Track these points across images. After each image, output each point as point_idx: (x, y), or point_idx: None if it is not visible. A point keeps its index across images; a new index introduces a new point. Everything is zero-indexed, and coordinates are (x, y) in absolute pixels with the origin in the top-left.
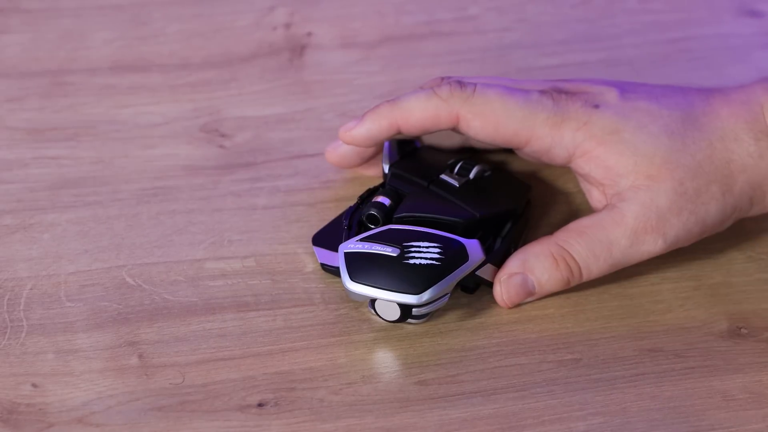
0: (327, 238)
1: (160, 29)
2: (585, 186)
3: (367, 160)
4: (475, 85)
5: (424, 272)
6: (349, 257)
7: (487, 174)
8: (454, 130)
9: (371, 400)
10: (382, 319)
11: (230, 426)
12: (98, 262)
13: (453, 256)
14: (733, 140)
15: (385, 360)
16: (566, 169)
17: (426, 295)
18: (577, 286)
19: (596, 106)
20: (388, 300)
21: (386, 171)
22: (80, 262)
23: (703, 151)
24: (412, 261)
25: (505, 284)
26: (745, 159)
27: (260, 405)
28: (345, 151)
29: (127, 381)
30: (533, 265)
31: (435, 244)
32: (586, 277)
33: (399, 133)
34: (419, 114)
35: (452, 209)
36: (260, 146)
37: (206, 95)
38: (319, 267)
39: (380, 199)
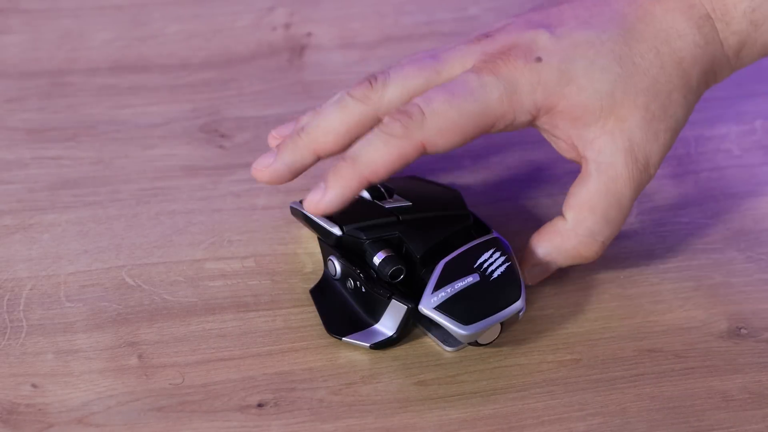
0: (340, 317)
1: (160, 29)
2: (552, 138)
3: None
4: (418, 106)
5: (510, 277)
6: (444, 308)
7: (401, 183)
8: (422, 155)
9: (371, 400)
10: (473, 344)
11: (230, 426)
12: (98, 262)
13: (506, 249)
14: (677, 38)
15: (384, 360)
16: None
17: (523, 295)
18: (576, 287)
19: (539, 59)
20: (500, 321)
21: (340, 233)
22: (80, 262)
23: (653, 62)
24: (495, 275)
25: (529, 273)
26: (694, 51)
27: (260, 405)
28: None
29: (126, 381)
30: (556, 258)
31: (492, 250)
32: (607, 246)
33: (368, 185)
34: (385, 161)
35: (449, 221)
36: (260, 146)
37: (206, 95)
38: (319, 267)
39: (380, 254)
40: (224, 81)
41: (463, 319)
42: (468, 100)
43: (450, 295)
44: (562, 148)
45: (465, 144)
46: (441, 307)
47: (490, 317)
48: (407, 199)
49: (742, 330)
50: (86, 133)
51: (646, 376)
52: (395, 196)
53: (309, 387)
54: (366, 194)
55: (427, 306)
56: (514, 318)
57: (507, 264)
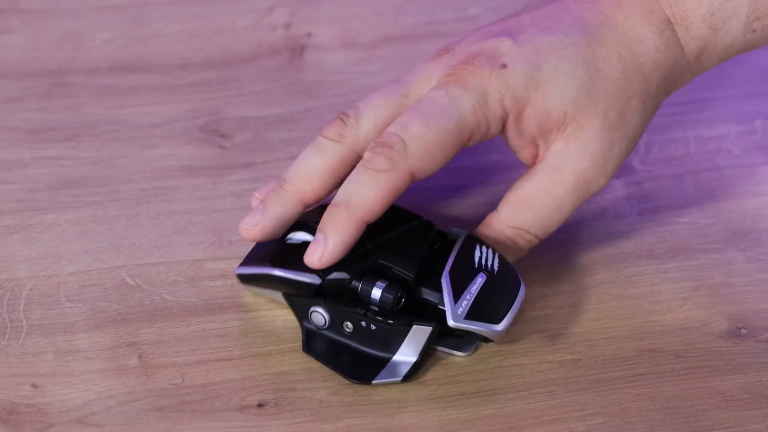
0: (360, 365)
1: (160, 29)
2: (516, 146)
3: None
4: (397, 135)
5: (505, 264)
6: (472, 315)
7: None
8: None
9: (371, 400)
10: (483, 341)
11: (230, 426)
12: (98, 262)
13: (483, 241)
14: (637, 43)
15: None
16: None
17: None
18: (576, 287)
19: (504, 66)
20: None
21: (318, 281)
22: (80, 262)
23: (616, 67)
24: (496, 267)
25: None
26: (654, 56)
27: (260, 405)
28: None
29: (126, 381)
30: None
31: (478, 245)
32: (542, 239)
33: (366, 226)
34: (379, 199)
35: (416, 233)
36: (260, 146)
37: (206, 95)
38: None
39: (379, 285)
40: (224, 81)
41: (494, 319)
42: (443, 118)
43: (471, 301)
44: (524, 156)
45: (447, 162)
46: (470, 315)
47: (512, 307)
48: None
49: (742, 330)
50: (86, 133)
51: (646, 376)
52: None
53: (309, 387)
54: (307, 236)
55: (457, 319)
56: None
57: (497, 254)
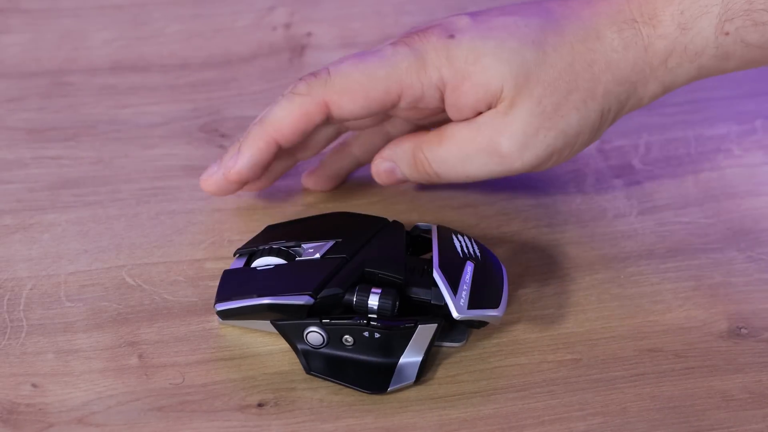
0: (370, 375)
1: (160, 29)
2: (454, 116)
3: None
4: (327, 68)
5: (485, 250)
6: (474, 305)
7: (295, 232)
8: (328, 119)
9: (371, 400)
10: (475, 326)
11: (230, 426)
12: (98, 262)
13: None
14: (595, 39)
15: None
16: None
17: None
18: (576, 287)
19: (452, 36)
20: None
21: (311, 301)
22: (80, 262)
23: (564, 58)
24: (478, 254)
25: (376, 167)
26: (609, 55)
27: (260, 405)
28: (243, 167)
29: (127, 381)
30: (399, 159)
31: (454, 236)
32: (443, 181)
33: (280, 148)
34: (289, 120)
35: (389, 235)
36: None
37: (206, 95)
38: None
39: (374, 292)
40: (224, 81)
41: (492, 304)
42: (376, 64)
43: (468, 290)
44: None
45: (371, 113)
46: (471, 305)
47: (504, 289)
48: (323, 239)
49: (742, 330)
50: (86, 133)
51: (646, 375)
52: (304, 246)
53: (309, 387)
54: (278, 260)
55: (461, 311)
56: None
57: (472, 239)
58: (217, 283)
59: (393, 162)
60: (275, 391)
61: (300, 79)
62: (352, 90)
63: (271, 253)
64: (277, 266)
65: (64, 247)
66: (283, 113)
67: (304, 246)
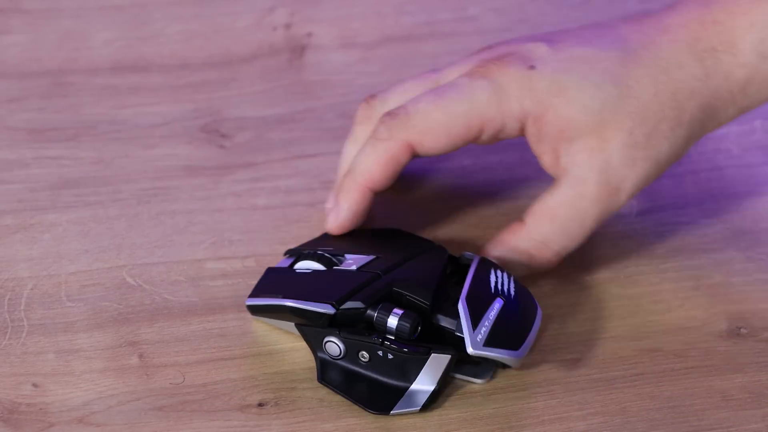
0: (377, 395)
1: (161, 29)
2: (538, 151)
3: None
4: (405, 107)
5: (521, 288)
6: (491, 342)
7: (343, 241)
8: (414, 156)
9: None
10: (501, 366)
11: (230, 426)
12: (99, 262)
13: (492, 262)
14: (676, 68)
15: None
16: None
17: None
18: (576, 287)
19: (532, 67)
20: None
21: (332, 311)
22: (81, 262)
23: (648, 89)
24: (512, 292)
25: None
26: (692, 84)
27: (260, 405)
28: (345, 220)
29: (127, 381)
30: (509, 260)
31: (492, 269)
32: (564, 256)
33: (375, 193)
34: (378, 167)
35: (428, 258)
36: (260, 146)
37: (206, 95)
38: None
39: (395, 312)
40: (225, 81)
41: (513, 345)
42: (455, 100)
43: (490, 327)
44: (546, 163)
45: (455, 148)
46: (489, 342)
47: (530, 333)
48: (365, 252)
49: (742, 330)
50: (87, 133)
51: (646, 375)
52: (347, 256)
53: (309, 386)
54: (318, 266)
55: (476, 346)
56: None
57: (512, 277)
58: (217, 283)
59: (504, 264)
60: (275, 391)
61: (380, 121)
62: (433, 129)
63: (313, 257)
64: (313, 272)
65: (64, 247)
66: (370, 160)
67: (347, 256)
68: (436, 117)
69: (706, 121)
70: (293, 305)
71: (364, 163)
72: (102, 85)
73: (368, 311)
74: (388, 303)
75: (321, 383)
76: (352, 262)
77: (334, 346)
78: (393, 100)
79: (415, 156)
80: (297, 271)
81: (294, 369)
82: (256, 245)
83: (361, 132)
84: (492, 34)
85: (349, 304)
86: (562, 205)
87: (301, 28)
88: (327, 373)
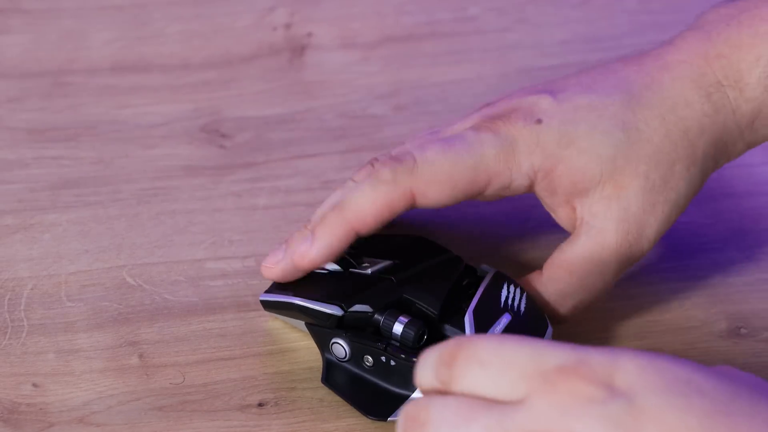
0: (378, 400)
1: (161, 30)
2: (551, 207)
3: None
4: (411, 153)
5: (533, 306)
6: None
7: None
8: (410, 206)
9: None
10: None
11: (230, 426)
12: (99, 262)
13: (507, 276)
14: (684, 107)
15: None
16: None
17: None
18: None
19: (539, 121)
20: None
21: (340, 313)
22: (81, 262)
23: (658, 131)
24: (522, 309)
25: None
26: (701, 120)
27: (260, 405)
28: (317, 255)
29: (127, 381)
30: None
31: (505, 284)
32: (583, 308)
33: (357, 237)
34: (372, 209)
35: (444, 268)
36: (260, 146)
37: (206, 95)
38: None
39: (401, 320)
40: (225, 81)
41: None
42: (463, 153)
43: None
44: (561, 217)
45: (456, 202)
46: None
47: None
48: (384, 257)
49: (741, 330)
50: (87, 133)
51: None
52: (366, 259)
53: (309, 386)
54: (334, 266)
55: None
56: None
57: (524, 294)
58: (217, 283)
59: None
60: (275, 391)
61: (382, 163)
62: (439, 180)
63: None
64: (329, 272)
65: (64, 247)
66: (366, 201)
67: (365, 259)
68: (443, 167)
69: (718, 156)
70: (302, 304)
71: (357, 202)
72: (102, 85)
73: (375, 316)
74: (395, 309)
75: (324, 384)
76: (368, 265)
77: (339, 348)
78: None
79: (410, 207)
80: (315, 271)
81: (294, 369)
82: (256, 245)
83: (369, 187)
84: (492, 34)
85: (357, 308)
86: (581, 258)
87: (301, 28)
88: (331, 374)
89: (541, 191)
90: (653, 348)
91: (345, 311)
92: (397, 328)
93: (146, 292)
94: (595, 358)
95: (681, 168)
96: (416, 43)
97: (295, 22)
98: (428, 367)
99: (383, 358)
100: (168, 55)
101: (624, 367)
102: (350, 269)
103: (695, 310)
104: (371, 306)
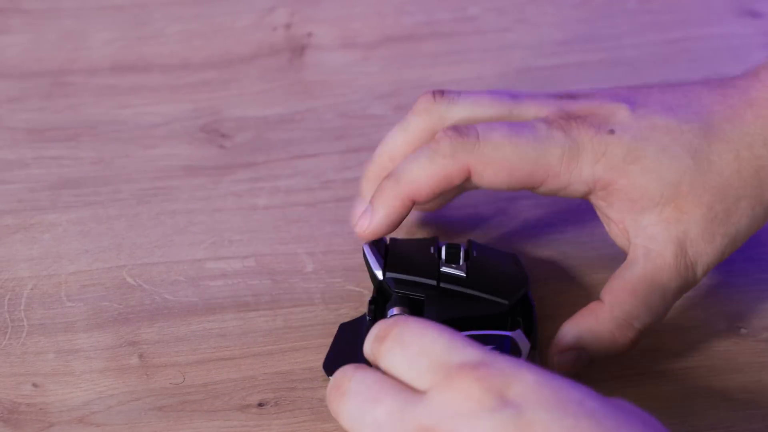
0: (342, 362)
1: (161, 29)
2: (605, 218)
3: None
4: (476, 130)
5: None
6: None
7: (474, 253)
8: (464, 183)
9: None
10: None
11: (230, 426)
12: (99, 262)
13: (509, 352)
14: (762, 146)
15: None
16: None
17: None
18: (576, 286)
19: (611, 131)
20: None
21: (381, 278)
22: (81, 262)
23: (730, 165)
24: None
25: (558, 360)
26: None
27: (260, 405)
28: (377, 227)
29: (127, 381)
30: (590, 343)
31: (488, 347)
32: (645, 336)
33: (413, 206)
34: (429, 181)
35: (479, 304)
36: (260, 146)
37: (206, 95)
38: (320, 267)
39: (395, 310)
40: (225, 81)
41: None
42: (529, 144)
43: None
44: (614, 232)
45: (510, 188)
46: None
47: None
48: (463, 271)
49: (741, 330)
50: (87, 133)
51: (646, 375)
52: (461, 263)
53: (309, 386)
54: (443, 251)
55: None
56: None
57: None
58: (217, 283)
59: (582, 347)
60: (275, 391)
61: (445, 134)
62: (498, 163)
63: (400, 304)
64: (427, 252)
65: (64, 247)
66: (423, 172)
67: (461, 263)
68: (505, 152)
69: None
70: (365, 255)
71: (414, 172)
72: (102, 85)
73: (393, 296)
74: (408, 301)
75: (323, 370)
76: (454, 268)
77: (370, 307)
78: (461, 106)
79: (465, 185)
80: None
81: (294, 369)
82: (256, 245)
83: (414, 123)
84: (492, 34)
85: (389, 280)
86: (642, 280)
87: (301, 28)
88: (351, 326)
89: (597, 201)
90: (653, 348)
91: (384, 278)
92: (388, 315)
93: (146, 292)
94: (497, 363)
95: (746, 205)
96: (416, 43)
97: (295, 22)
98: (369, 338)
99: None
100: (168, 55)
101: (522, 379)
102: (445, 260)
103: (695, 310)
104: (397, 287)
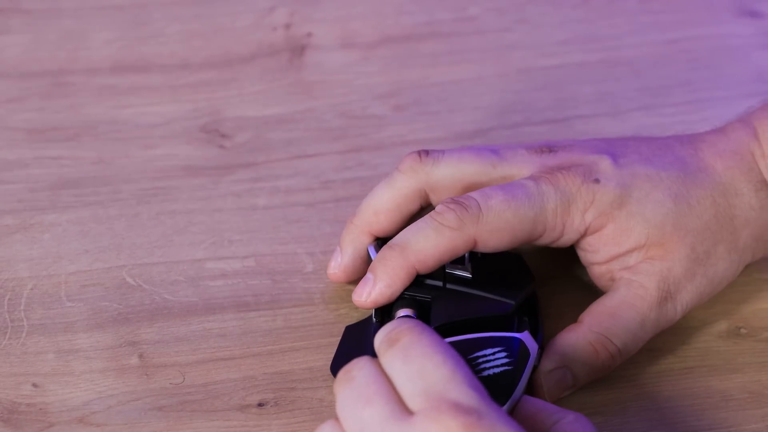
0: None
1: (161, 30)
2: (588, 261)
3: None
4: (476, 201)
5: (503, 380)
6: None
7: (480, 254)
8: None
9: None
10: None
11: (230, 426)
12: (99, 262)
13: (519, 354)
14: (734, 195)
15: None
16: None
17: (509, 404)
18: (576, 286)
19: (596, 180)
20: None
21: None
22: (80, 262)
23: (708, 210)
24: (486, 373)
25: (546, 381)
26: (747, 213)
27: (260, 405)
28: (379, 297)
29: (127, 381)
30: (572, 359)
31: (497, 348)
32: (624, 358)
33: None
34: (435, 253)
35: (485, 304)
36: (260, 146)
37: (206, 95)
38: (320, 267)
39: (403, 312)
40: (224, 81)
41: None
42: (525, 205)
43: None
44: (596, 274)
45: (510, 248)
46: None
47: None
48: (469, 272)
49: (741, 330)
50: (87, 133)
51: (645, 375)
52: (467, 264)
53: (309, 386)
54: (466, 274)
55: None
56: None
57: (506, 368)
58: (216, 283)
59: (566, 366)
60: (275, 391)
61: (447, 207)
62: (501, 229)
63: (408, 305)
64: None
65: (64, 247)
66: (430, 244)
67: (466, 263)
68: (507, 218)
69: (756, 251)
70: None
71: (419, 243)
72: (102, 85)
73: (398, 298)
74: (414, 303)
75: (330, 372)
76: (458, 268)
77: (376, 311)
78: (446, 165)
79: (470, 250)
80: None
81: (294, 369)
82: (256, 245)
83: (401, 181)
84: (492, 34)
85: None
86: (622, 305)
87: (301, 28)
88: (358, 328)
89: (586, 245)
90: (653, 348)
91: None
92: (395, 317)
93: (146, 292)
94: (489, 417)
95: (723, 250)
96: (416, 43)
97: (294, 22)
98: (380, 334)
99: None
100: (168, 55)
101: (489, 422)
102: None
103: (695, 310)
104: (425, 290)
